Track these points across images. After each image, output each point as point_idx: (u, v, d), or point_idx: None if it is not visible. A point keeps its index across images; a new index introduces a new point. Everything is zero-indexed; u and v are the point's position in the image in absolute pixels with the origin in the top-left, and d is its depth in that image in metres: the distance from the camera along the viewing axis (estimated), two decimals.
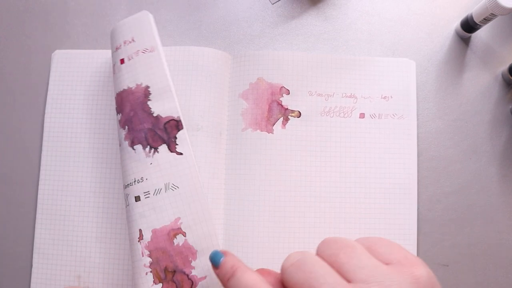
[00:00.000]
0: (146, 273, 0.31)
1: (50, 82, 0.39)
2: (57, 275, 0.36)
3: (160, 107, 0.33)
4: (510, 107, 0.38)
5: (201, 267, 0.31)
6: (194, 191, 0.32)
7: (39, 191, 0.38)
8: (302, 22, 0.40)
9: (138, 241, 0.32)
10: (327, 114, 0.38)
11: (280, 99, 0.37)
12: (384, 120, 0.38)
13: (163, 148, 0.33)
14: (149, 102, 0.34)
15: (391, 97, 0.38)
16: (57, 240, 0.37)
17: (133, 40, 0.35)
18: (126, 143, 0.33)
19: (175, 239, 0.32)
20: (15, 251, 0.38)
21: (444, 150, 0.38)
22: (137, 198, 0.32)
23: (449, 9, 0.40)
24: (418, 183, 0.37)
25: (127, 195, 0.33)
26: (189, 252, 0.31)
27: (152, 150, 0.33)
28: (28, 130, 0.39)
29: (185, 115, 0.36)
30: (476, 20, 0.36)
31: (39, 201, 0.38)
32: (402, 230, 0.36)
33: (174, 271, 0.31)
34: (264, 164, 0.36)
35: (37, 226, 0.37)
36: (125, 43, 0.35)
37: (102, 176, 0.38)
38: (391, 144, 0.37)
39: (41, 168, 0.38)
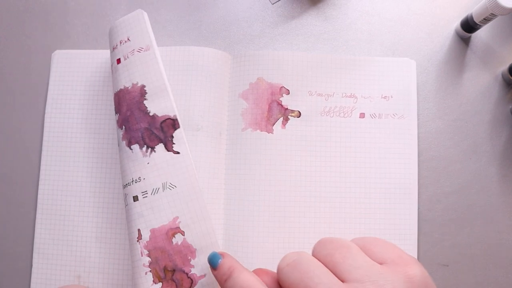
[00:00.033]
0: (146, 273, 0.31)
1: (50, 82, 0.39)
2: (57, 275, 0.36)
3: (156, 106, 0.33)
4: (510, 107, 0.38)
5: (200, 266, 0.31)
6: (192, 190, 0.32)
7: (39, 191, 0.38)
8: (302, 22, 0.40)
9: (137, 241, 0.32)
10: (327, 114, 0.38)
11: (280, 99, 0.37)
12: (384, 120, 0.37)
13: (160, 147, 0.33)
14: (145, 102, 0.34)
15: (391, 96, 0.38)
16: (57, 240, 0.37)
17: (128, 40, 0.35)
18: (123, 143, 0.33)
19: (173, 238, 0.32)
20: (15, 251, 0.38)
21: (444, 150, 0.38)
22: (135, 198, 0.32)
23: (449, 9, 0.40)
24: (418, 183, 0.37)
25: (125, 195, 0.33)
26: (188, 251, 0.31)
27: (149, 149, 0.33)
28: (28, 130, 0.39)
29: (185, 115, 0.36)
30: (476, 20, 0.36)
31: (39, 201, 0.38)
32: (403, 230, 0.36)
33: (174, 270, 0.31)
34: (264, 164, 0.36)
35: (37, 226, 0.37)
36: (121, 42, 0.35)
37: (102, 176, 0.38)
38: (391, 144, 0.37)
39: (41, 168, 0.38)
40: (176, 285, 0.31)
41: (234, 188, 0.36)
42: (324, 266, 0.24)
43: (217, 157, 0.37)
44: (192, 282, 0.31)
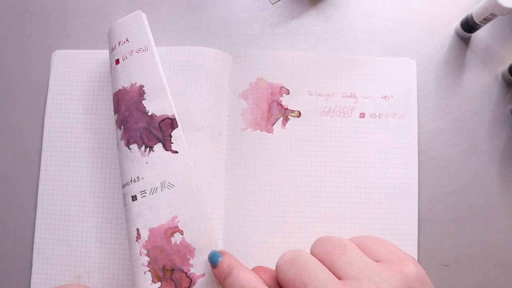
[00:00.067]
0: (145, 272, 0.31)
1: (50, 82, 0.39)
2: (57, 275, 0.36)
3: (154, 106, 0.34)
4: (510, 107, 0.38)
5: (199, 265, 0.31)
6: (190, 189, 0.32)
7: (39, 191, 0.38)
8: (302, 22, 0.40)
9: (136, 240, 0.32)
10: (327, 114, 0.38)
11: (280, 99, 0.37)
12: (385, 120, 0.37)
13: (158, 147, 0.33)
14: (143, 101, 0.34)
15: (392, 96, 0.38)
16: (57, 240, 0.37)
17: (127, 40, 0.35)
18: (122, 143, 0.33)
19: (172, 237, 0.32)
20: (15, 251, 0.38)
21: (444, 150, 0.38)
22: (134, 198, 0.32)
23: (449, 9, 0.40)
24: (418, 183, 0.37)
25: (124, 194, 0.33)
26: (186, 250, 0.31)
27: (148, 149, 0.33)
28: (28, 130, 0.39)
29: (185, 115, 0.36)
30: (476, 20, 0.36)
31: (39, 201, 0.38)
32: (403, 230, 0.36)
33: (172, 270, 0.31)
34: (264, 164, 0.36)
35: (37, 226, 0.37)
36: (119, 43, 0.35)
37: (102, 176, 0.38)
38: (391, 144, 0.37)
39: (41, 168, 0.38)
40: (175, 285, 0.31)
41: (234, 188, 0.36)
42: (321, 264, 0.24)
43: (217, 157, 0.37)
44: (191, 281, 0.31)
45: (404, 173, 0.37)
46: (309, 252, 0.26)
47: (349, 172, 0.37)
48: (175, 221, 0.32)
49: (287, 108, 0.37)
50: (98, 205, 0.37)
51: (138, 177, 0.32)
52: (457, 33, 0.39)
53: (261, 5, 0.40)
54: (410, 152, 0.37)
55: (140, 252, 0.32)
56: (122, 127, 0.34)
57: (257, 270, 0.28)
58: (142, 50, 0.34)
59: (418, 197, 0.37)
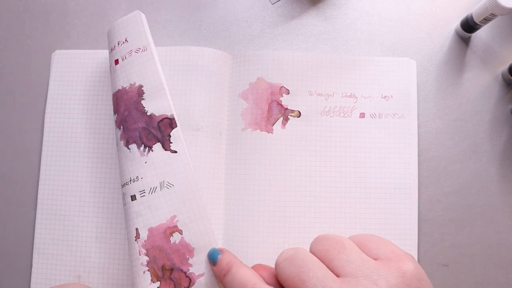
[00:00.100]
0: (144, 272, 0.31)
1: (50, 82, 0.39)
2: (57, 275, 0.37)
3: (153, 105, 0.34)
4: (510, 107, 0.38)
5: (198, 265, 0.31)
6: (189, 189, 0.32)
7: (39, 191, 0.38)
8: (302, 22, 0.40)
9: (135, 240, 0.32)
10: (327, 114, 0.38)
11: (280, 99, 0.37)
12: (385, 120, 0.37)
13: (157, 146, 0.33)
14: (143, 101, 0.34)
15: (392, 96, 0.38)
16: (57, 240, 0.37)
17: (126, 41, 0.35)
18: (121, 143, 0.34)
19: (171, 237, 0.32)
20: (15, 251, 0.38)
21: (444, 150, 0.38)
22: (133, 197, 0.32)
23: (449, 9, 0.40)
24: (418, 183, 0.37)
25: (123, 194, 0.33)
26: (186, 250, 0.32)
27: (147, 149, 0.33)
28: (28, 130, 0.39)
29: (185, 115, 0.36)
30: (476, 20, 0.36)
31: (39, 201, 0.38)
32: (403, 230, 0.36)
33: (172, 269, 0.31)
34: (264, 164, 0.36)
35: (37, 226, 0.37)
36: (119, 43, 0.35)
37: (102, 176, 0.38)
38: (391, 143, 0.37)
39: (41, 168, 0.38)
40: (174, 284, 0.31)
41: (234, 188, 0.36)
42: (319, 261, 0.25)
43: (217, 157, 0.37)
44: (190, 281, 0.31)
45: (404, 173, 0.37)
46: (307, 249, 0.26)
47: (349, 172, 0.37)
48: (174, 221, 0.32)
49: (287, 108, 0.37)
50: (98, 205, 0.37)
51: (137, 176, 0.32)
52: (457, 33, 0.39)
53: (261, 5, 0.40)
54: (410, 152, 0.37)
55: (139, 252, 0.32)
56: (121, 127, 0.34)
57: (256, 267, 0.28)
58: (141, 50, 0.34)
59: (418, 197, 0.37)
